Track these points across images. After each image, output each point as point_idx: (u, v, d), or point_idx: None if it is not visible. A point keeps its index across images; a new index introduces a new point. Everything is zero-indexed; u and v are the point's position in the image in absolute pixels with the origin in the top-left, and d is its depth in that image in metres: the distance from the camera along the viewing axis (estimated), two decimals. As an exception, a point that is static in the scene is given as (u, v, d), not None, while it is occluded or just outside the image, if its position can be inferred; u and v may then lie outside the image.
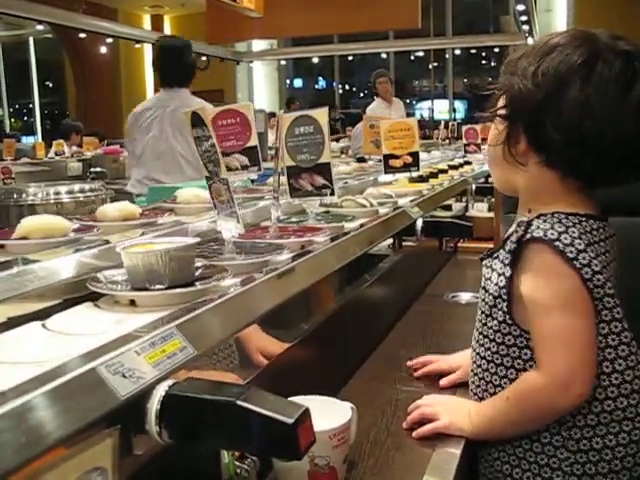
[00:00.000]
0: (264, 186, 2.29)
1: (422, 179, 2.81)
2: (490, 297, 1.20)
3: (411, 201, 2.31)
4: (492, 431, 1.21)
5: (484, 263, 1.26)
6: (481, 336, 1.24)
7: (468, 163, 3.89)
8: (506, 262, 1.16)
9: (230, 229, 1.28)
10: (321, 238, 1.49)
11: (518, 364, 1.18)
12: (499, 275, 1.18)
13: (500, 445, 1.21)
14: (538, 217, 1.14)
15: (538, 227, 1.11)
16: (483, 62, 15.67)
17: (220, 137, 1.90)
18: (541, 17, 10.39)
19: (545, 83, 1.10)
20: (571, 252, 1.09)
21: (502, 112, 1.18)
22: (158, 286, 1.00)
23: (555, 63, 1.11)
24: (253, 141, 1.91)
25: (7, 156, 6.39)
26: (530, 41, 10.00)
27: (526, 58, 1.15)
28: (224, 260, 1.23)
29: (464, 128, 4.22)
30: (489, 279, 1.21)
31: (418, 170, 2.62)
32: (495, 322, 1.19)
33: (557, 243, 1.09)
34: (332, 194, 1.59)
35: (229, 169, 2.15)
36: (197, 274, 1.08)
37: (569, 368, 1.09)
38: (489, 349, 1.22)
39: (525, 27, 9.37)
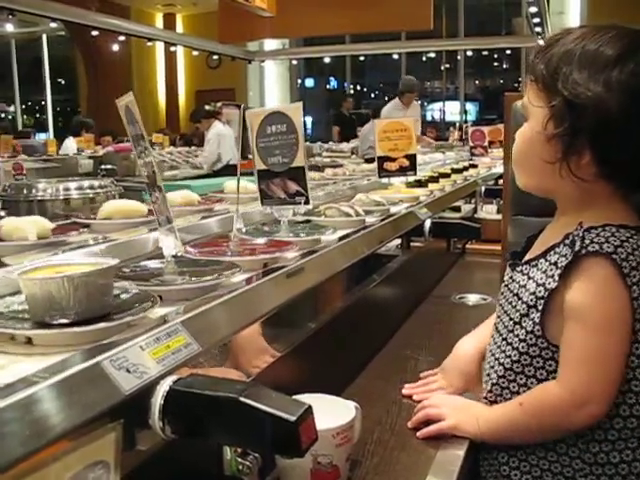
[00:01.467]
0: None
1: (420, 184, 2.63)
2: (524, 306, 1.16)
3: (406, 208, 2.15)
4: (499, 436, 1.19)
5: (520, 269, 1.21)
6: (504, 342, 1.20)
7: (474, 166, 3.75)
8: (549, 274, 1.12)
9: (170, 246, 1.11)
10: (289, 254, 1.30)
11: (541, 374, 1.15)
12: (538, 285, 1.14)
13: (511, 450, 1.19)
14: (588, 230, 1.09)
15: (592, 241, 1.07)
16: (495, 64, 15.63)
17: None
18: (554, 19, 10.35)
19: (621, 95, 1.04)
20: (625, 268, 1.06)
21: (561, 124, 1.07)
22: (61, 321, 0.83)
23: (628, 74, 1.04)
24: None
25: (4, 153, 6.48)
26: (542, 43, 9.93)
27: (580, 67, 1.06)
28: (163, 284, 1.03)
29: (470, 130, 4.14)
30: (524, 287, 1.17)
31: (415, 174, 2.47)
32: (523, 331, 1.16)
33: (614, 256, 1.05)
34: (306, 203, 1.42)
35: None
36: (118, 303, 0.91)
37: (589, 388, 1.07)
38: (509, 357, 1.19)
39: (537, 29, 9.33)
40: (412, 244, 2.40)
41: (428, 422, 1.26)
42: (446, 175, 3.12)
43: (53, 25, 11.17)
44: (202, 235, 1.51)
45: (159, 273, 1.09)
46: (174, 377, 0.80)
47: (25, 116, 15.75)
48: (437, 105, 15.48)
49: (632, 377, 1.11)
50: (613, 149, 1.07)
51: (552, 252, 1.14)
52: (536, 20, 8.84)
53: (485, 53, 14.40)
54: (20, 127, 13.90)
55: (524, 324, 1.16)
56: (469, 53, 13.48)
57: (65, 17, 7.93)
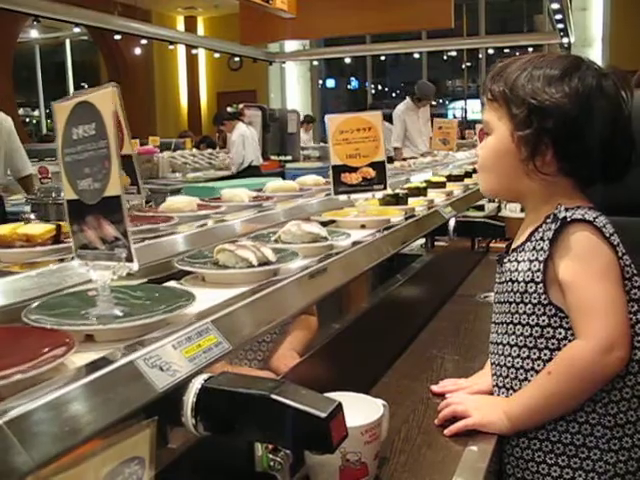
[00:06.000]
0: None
1: (398, 200, 2.04)
2: (521, 284, 1.23)
3: (371, 235, 1.62)
4: (532, 415, 1.20)
5: (508, 259, 1.29)
6: (510, 325, 1.26)
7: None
8: (539, 248, 1.21)
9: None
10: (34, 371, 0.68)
11: (552, 344, 1.20)
12: (531, 262, 1.22)
13: (531, 433, 1.21)
14: (566, 209, 1.20)
15: (574, 213, 1.19)
16: (517, 61, 15.53)
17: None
18: (576, 16, 10.26)
19: (576, 100, 1.19)
20: (605, 232, 1.18)
21: (527, 127, 1.21)
22: None
23: (577, 81, 1.20)
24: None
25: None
26: (565, 40, 9.88)
27: (537, 80, 1.21)
28: None
29: (477, 128, 3.99)
30: (516, 270, 1.25)
31: (385, 188, 1.80)
32: (529, 306, 1.22)
33: (596, 222, 1.18)
34: (129, 260, 0.85)
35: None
36: None
37: (610, 332, 1.14)
38: (522, 334, 1.24)
39: (560, 26, 9.27)
40: (436, 243, 2.40)
41: (455, 419, 1.27)
42: (440, 185, 2.59)
43: (76, 30, 11.32)
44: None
45: None
46: (206, 375, 0.82)
47: (49, 120, 15.92)
48: (459, 104, 15.42)
49: (634, 334, 1.19)
50: (571, 145, 1.20)
51: (536, 233, 1.24)
52: (558, 17, 8.78)
53: (507, 51, 14.31)
54: (44, 131, 14.07)
55: (526, 300, 1.23)
56: (490, 51, 13.41)
57: (88, 22, 8.05)
